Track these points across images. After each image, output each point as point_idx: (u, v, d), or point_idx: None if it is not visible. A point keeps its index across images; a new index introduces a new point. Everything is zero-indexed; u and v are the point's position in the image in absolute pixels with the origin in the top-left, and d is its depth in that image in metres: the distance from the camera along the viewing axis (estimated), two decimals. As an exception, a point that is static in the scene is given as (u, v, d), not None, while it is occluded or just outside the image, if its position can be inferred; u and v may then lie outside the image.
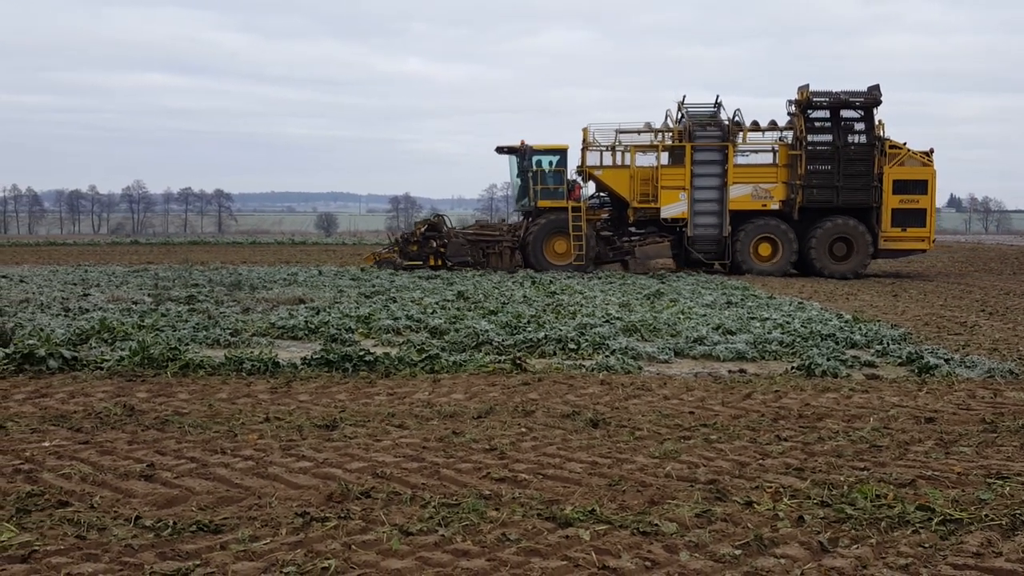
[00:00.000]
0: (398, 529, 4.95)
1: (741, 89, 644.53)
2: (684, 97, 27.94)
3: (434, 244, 27.31)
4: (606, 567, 4.49)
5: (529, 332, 12.29)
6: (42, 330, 12.04)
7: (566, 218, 26.74)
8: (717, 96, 28.15)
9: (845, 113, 27.08)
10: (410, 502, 5.42)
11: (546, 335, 11.93)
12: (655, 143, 27.35)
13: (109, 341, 11.46)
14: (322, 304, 16.50)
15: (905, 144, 26.99)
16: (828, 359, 10.56)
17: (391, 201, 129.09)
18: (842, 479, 5.96)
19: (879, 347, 11.70)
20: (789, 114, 27.62)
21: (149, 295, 17.82)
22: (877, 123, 26.83)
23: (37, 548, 4.60)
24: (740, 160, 27.28)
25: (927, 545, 4.83)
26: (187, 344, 11.26)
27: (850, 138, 26.93)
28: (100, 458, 6.31)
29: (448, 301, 17.10)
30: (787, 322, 13.80)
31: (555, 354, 11.31)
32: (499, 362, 10.42)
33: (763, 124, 27.50)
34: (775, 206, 26.91)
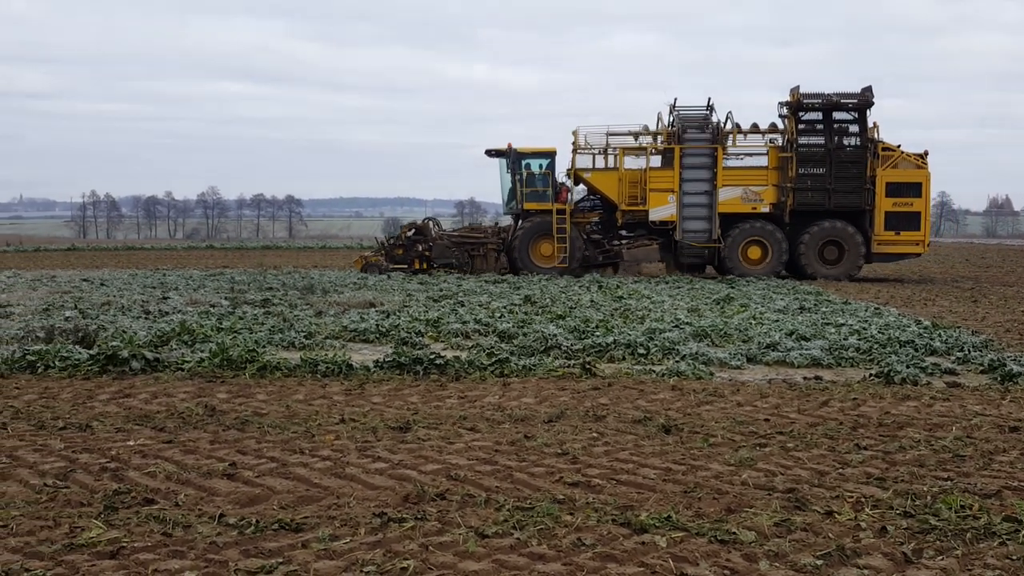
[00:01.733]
0: (474, 531, 4.98)
1: (812, 89, 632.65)
2: (676, 99, 27.74)
3: (419, 248, 27.43)
4: (684, 575, 4.46)
5: (598, 337, 12.26)
6: (124, 332, 12.41)
7: (552, 221, 26.71)
8: (709, 98, 27.80)
9: (837, 115, 26.69)
10: (485, 505, 5.46)
11: (615, 340, 11.89)
12: (643, 145, 27.14)
13: (189, 343, 11.76)
14: (392, 308, 16.70)
15: (899, 146, 26.45)
16: (907, 366, 10.33)
17: (456, 205, 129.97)
18: (925, 489, 5.82)
19: (960, 354, 11.39)
20: (780, 116, 27.20)
21: (226, 298, 18.24)
22: (872, 125, 26.48)
23: (125, 545, 4.74)
24: (730, 162, 26.92)
25: (1014, 557, 4.70)
26: (264, 346, 11.50)
27: (841, 140, 26.51)
28: (184, 457, 6.48)
29: (515, 305, 17.15)
30: (863, 328, 13.53)
31: (624, 359, 11.26)
32: (568, 366, 10.42)
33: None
34: (765, 209, 26.52)
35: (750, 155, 27.15)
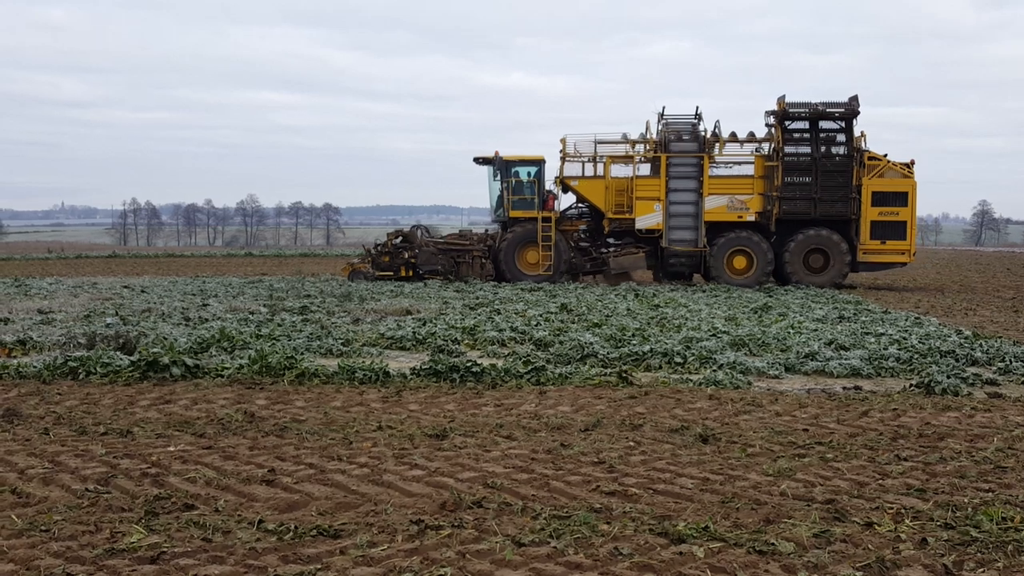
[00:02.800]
0: (511, 540, 4.99)
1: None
2: (664, 108, 27.65)
3: (405, 255, 27.48)
4: (721, 585, 4.43)
5: (634, 345, 12.22)
6: (165, 338, 12.58)
7: (537, 228, 26.73)
8: (697, 107, 27.82)
9: (824, 124, 26.47)
10: (521, 513, 5.46)
11: (651, 348, 11.84)
12: (630, 154, 27.06)
13: (228, 349, 11.90)
14: (428, 315, 16.76)
15: (886, 155, 26.32)
16: (948, 376, 10.18)
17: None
18: (966, 501, 5.74)
19: (1001, 364, 11.20)
20: (767, 125, 27.05)
21: (265, 305, 18.42)
22: (860, 134, 26.27)
23: (165, 550, 4.80)
24: (716, 171, 26.92)
25: (1062, 573, 4.61)
26: (302, 353, 11.60)
27: (827, 149, 26.44)
28: (223, 463, 6.56)
29: (551, 313, 17.14)
30: (904, 338, 13.35)
31: (661, 368, 11.21)
32: (605, 375, 10.39)
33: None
34: (751, 218, 26.51)
35: (736, 164, 27.24)
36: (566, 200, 28.14)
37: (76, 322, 15.25)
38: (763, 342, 12.92)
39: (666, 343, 12.34)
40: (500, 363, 11.03)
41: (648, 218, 26.58)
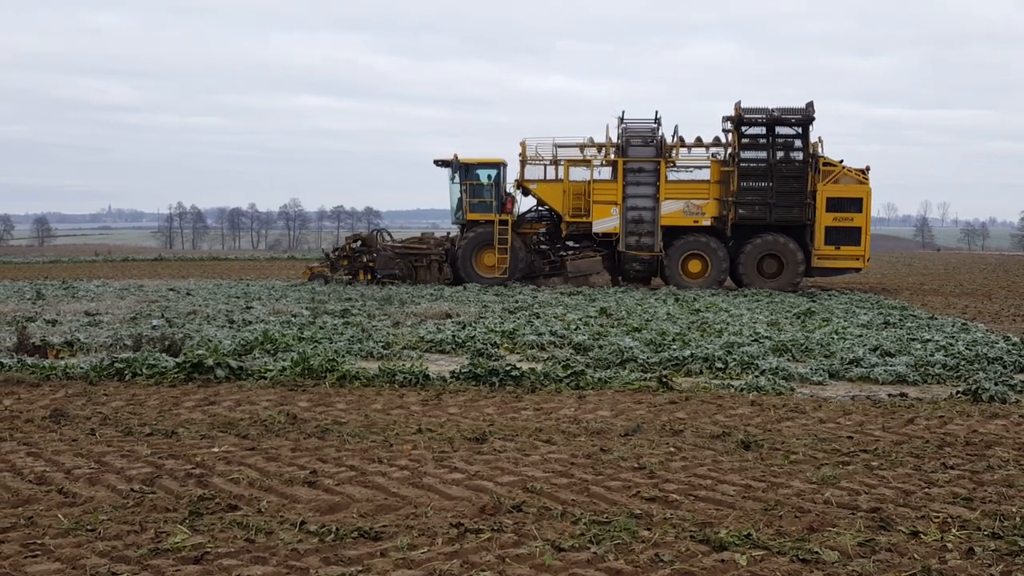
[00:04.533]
0: (550, 544, 4.98)
1: (897, 100, 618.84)
2: (623, 112, 27.66)
3: (364, 259, 27.53)
4: (764, 593, 4.38)
5: (674, 350, 12.14)
6: (210, 341, 12.74)
7: (494, 231, 26.78)
8: (656, 111, 27.90)
9: (780, 130, 26.49)
10: (561, 518, 5.45)
11: (692, 353, 11.76)
12: (588, 158, 27.18)
13: (271, 352, 12.03)
14: (468, 319, 16.80)
15: (841, 161, 26.35)
16: (996, 383, 9.98)
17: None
18: (1014, 510, 5.63)
19: (1053, 372, 10.96)
20: (724, 130, 27.04)
21: (307, 308, 18.59)
22: (817, 140, 26.35)
23: (209, 550, 4.86)
24: (673, 176, 26.99)
25: (1117, 587, 4.50)
26: (343, 356, 11.68)
27: (782, 155, 26.46)
28: (266, 464, 6.62)
29: (591, 317, 17.10)
30: (950, 344, 13.11)
31: (702, 373, 11.13)
32: (645, 380, 10.34)
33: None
34: (707, 222, 26.55)
35: (693, 169, 27.36)
36: (527, 203, 28.42)
37: (123, 324, 15.50)
38: (806, 347, 12.77)
39: (707, 348, 12.24)
40: (539, 367, 11.02)
41: (605, 222, 26.77)
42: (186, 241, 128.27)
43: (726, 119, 26.88)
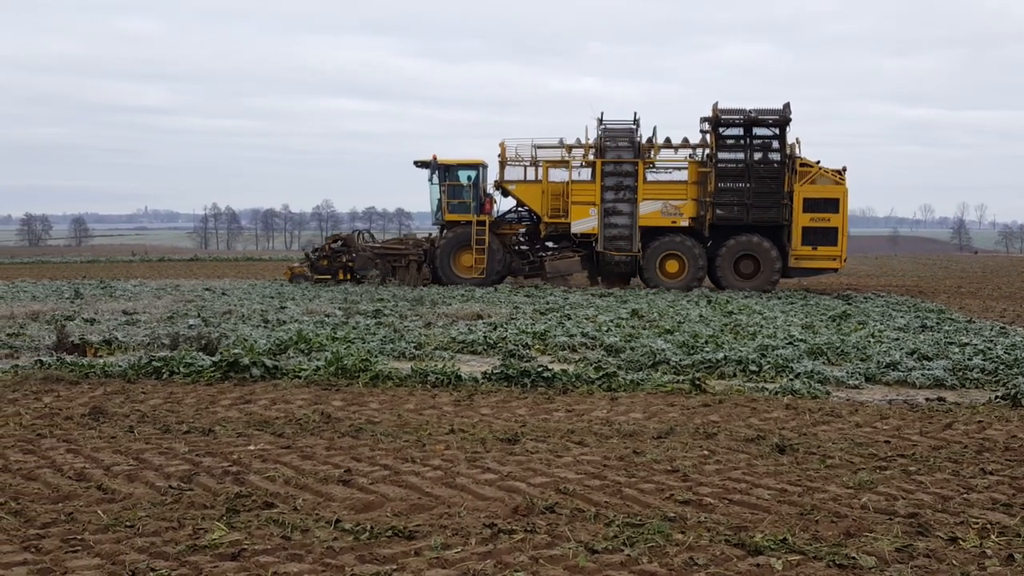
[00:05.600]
0: (584, 546, 4.97)
1: (932, 100, 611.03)
2: (602, 113, 27.74)
3: (343, 259, 27.67)
4: (800, 598, 4.34)
5: (707, 352, 12.07)
6: (245, 340, 12.87)
7: (472, 232, 26.87)
8: (635, 113, 28.34)
9: (757, 131, 26.60)
10: (594, 519, 5.44)
11: (725, 356, 11.69)
12: (567, 159, 27.30)
13: (306, 351, 12.12)
14: (499, 320, 16.82)
15: (818, 162, 26.40)
16: (1037, 389, 9.81)
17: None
18: (1057, 519, 5.53)
19: (1096, 377, 10.76)
20: (702, 131, 27.16)
21: (340, 309, 18.71)
22: (795, 141, 26.39)
23: (246, 547, 4.91)
24: (651, 176, 27.09)
25: None
26: (376, 356, 11.74)
27: (760, 156, 26.54)
28: (301, 462, 6.68)
29: (622, 319, 17.05)
30: (989, 348, 12.93)
31: (735, 376, 11.06)
32: (677, 382, 10.29)
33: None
34: (685, 223, 26.69)
35: (671, 170, 27.44)
36: (507, 204, 28.55)
37: (160, 323, 15.70)
38: (842, 351, 12.65)
39: (741, 351, 12.16)
40: (571, 368, 11.01)
41: (583, 222, 26.91)
42: (221, 241, 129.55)
43: (704, 120, 27.07)
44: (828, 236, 26.06)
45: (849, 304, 21.63)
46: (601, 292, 24.54)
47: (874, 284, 32.04)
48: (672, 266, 26.77)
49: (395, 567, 4.65)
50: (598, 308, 19.49)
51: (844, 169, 26.59)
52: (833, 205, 26.10)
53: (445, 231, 27.82)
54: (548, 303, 20.71)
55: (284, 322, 16.00)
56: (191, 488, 6.01)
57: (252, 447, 7.15)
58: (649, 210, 26.69)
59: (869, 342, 13.65)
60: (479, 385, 10.05)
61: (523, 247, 28.24)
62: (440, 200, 27.85)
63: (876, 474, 6.53)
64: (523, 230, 28.33)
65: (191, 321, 15.66)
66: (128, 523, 5.27)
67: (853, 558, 4.82)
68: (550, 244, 28.02)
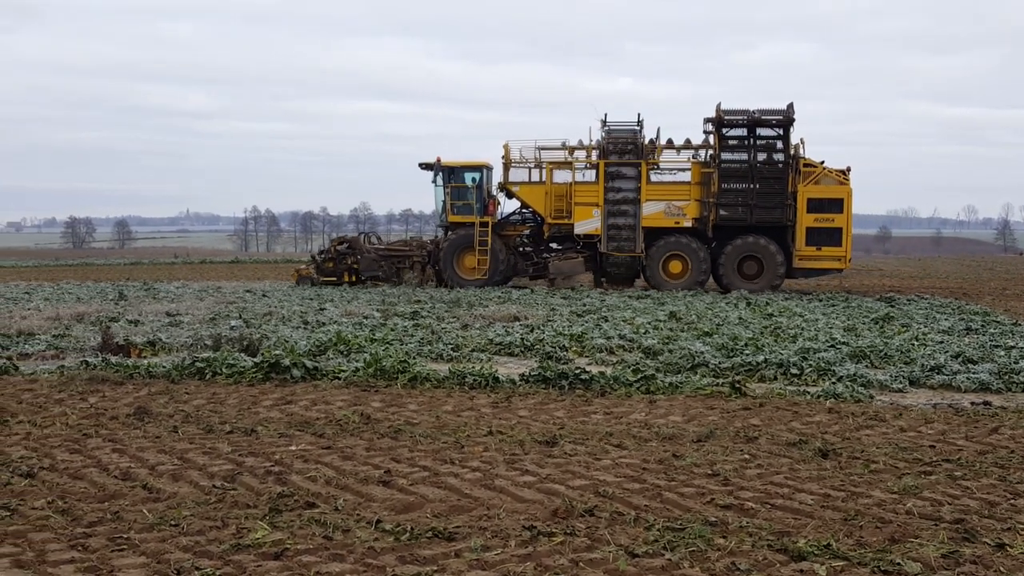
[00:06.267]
0: (624, 550, 4.95)
1: (975, 99, 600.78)
2: (606, 115, 27.68)
3: (349, 261, 27.81)
4: (844, 604, 4.29)
5: (747, 355, 11.97)
6: (286, 341, 12.99)
7: (475, 233, 26.93)
8: (639, 114, 28.11)
9: (761, 132, 26.56)
10: (634, 523, 5.41)
11: (766, 359, 11.57)
12: (569, 160, 27.41)
13: (345, 353, 12.21)
14: (536, 322, 16.82)
15: (822, 163, 26.36)
16: (1087, 393, 9.61)
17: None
18: (1110, 526, 5.41)
19: None
20: (705, 132, 27.11)
21: (378, 310, 18.82)
22: (799, 141, 26.37)
23: (288, 546, 4.95)
24: (655, 177, 27.08)
25: None
26: (414, 357, 11.80)
27: (763, 156, 26.45)
28: (342, 463, 6.73)
29: (660, 321, 16.96)
30: (1036, 351, 12.68)
31: (776, 379, 10.96)
32: (717, 385, 10.21)
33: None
34: (688, 224, 26.69)
35: (674, 171, 27.40)
36: (512, 206, 28.66)
37: (202, 324, 15.90)
38: (885, 354, 12.47)
39: (781, 353, 12.04)
40: (609, 371, 10.97)
41: (586, 223, 27.02)
42: (260, 244, 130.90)
43: (707, 120, 27.03)
44: (832, 236, 26.04)
45: (892, 306, 21.33)
46: (638, 294, 24.45)
47: (917, 286, 31.58)
48: (675, 267, 26.83)
49: (435, 568, 4.66)
50: (635, 310, 19.41)
51: (848, 169, 26.53)
52: (837, 205, 26.07)
53: (449, 233, 28.05)
54: (585, 305, 20.66)
55: (323, 324, 16.12)
56: (234, 488, 6.08)
57: (293, 447, 7.22)
58: (652, 211, 26.81)
59: (913, 345, 13.45)
60: (517, 387, 10.05)
61: (527, 248, 28.45)
62: (444, 202, 28.10)
63: (921, 479, 6.44)
64: (527, 231, 28.51)
65: (233, 322, 15.84)
66: (173, 522, 5.34)
67: (898, 564, 4.75)
68: (554, 245, 28.17)
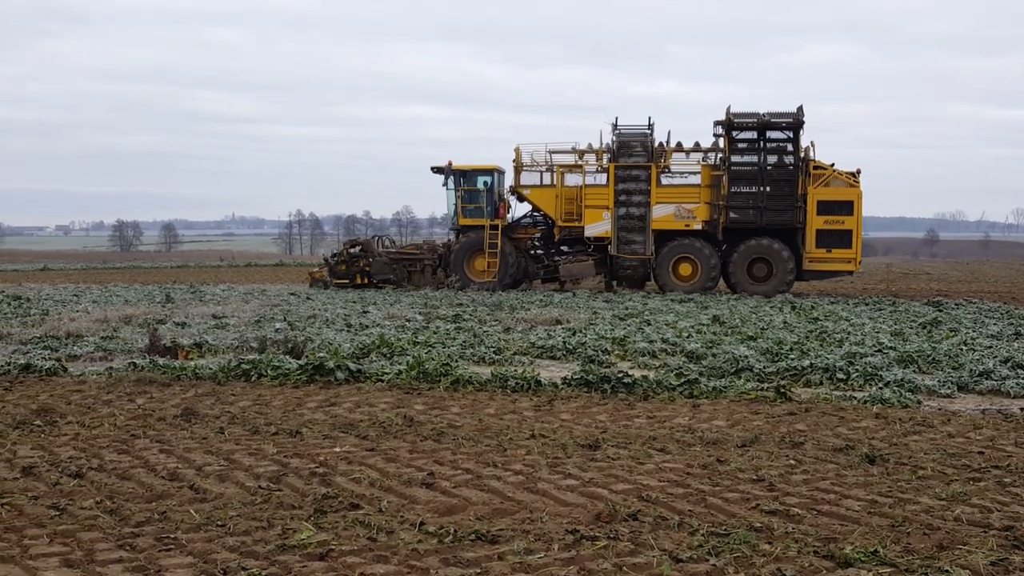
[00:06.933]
0: (668, 555, 4.93)
1: (1022, 101, 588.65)
2: (617, 118, 27.68)
3: (361, 263, 27.93)
4: (892, 612, 4.23)
5: (792, 359, 11.84)
6: (330, 344, 13.11)
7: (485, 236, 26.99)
8: (649, 118, 28.26)
9: (771, 134, 26.54)
10: (678, 528, 5.39)
11: (811, 363, 11.44)
12: (580, 163, 27.52)
13: (387, 355, 12.29)
14: (578, 325, 16.78)
15: (832, 165, 26.33)
16: None
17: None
18: None
19: None
20: (715, 135, 27.13)
21: (420, 313, 18.92)
22: (810, 144, 26.40)
23: (333, 547, 4.99)
24: (665, 180, 27.20)
25: None
26: (456, 360, 11.84)
27: (773, 159, 26.28)
28: (385, 465, 6.77)
29: (703, 325, 16.85)
30: (1090, 357, 12.38)
31: (822, 384, 10.83)
32: (761, 390, 10.12)
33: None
34: (698, 226, 26.70)
35: (684, 174, 27.39)
36: (523, 209, 28.74)
37: (248, 327, 16.08)
38: (933, 359, 12.27)
39: (827, 358, 11.89)
40: (652, 375, 10.92)
41: (597, 226, 27.08)
42: (304, 247, 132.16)
43: (717, 123, 27.02)
44: (843, 239, 25.95)
45: (940, 311, 20.98)
46: (681, 298, 24.30)
47: (965, 290, 31.01)
48: (685, 269, 26.87)
49: (479, 571, 4.68)
50: (678, 314, 19.29)
51: (858, 171, 26.48)
52: (847, 207, 25.99)
53: (460, 236, 28.27)
54: (627, 308, 20.58)
55: (366, 326, 16.24)
56: (280, 488, 6.15)
57: (338, 449, 7.28)
58: (662, 213, 26.85)
59: (961, 350, 13.22)
60: (559, 390, 10.05)
61: (538, 251, 28.62)
62: (455, 205, 28.32)
63: (970, 486, 6.33)
64: (538, 234, 28.64)
65: (278, 325, 16.01)
66: (219, 522, 5.41)
67: (947, 571, 4.67)
68: (564, 248, 28.24)
